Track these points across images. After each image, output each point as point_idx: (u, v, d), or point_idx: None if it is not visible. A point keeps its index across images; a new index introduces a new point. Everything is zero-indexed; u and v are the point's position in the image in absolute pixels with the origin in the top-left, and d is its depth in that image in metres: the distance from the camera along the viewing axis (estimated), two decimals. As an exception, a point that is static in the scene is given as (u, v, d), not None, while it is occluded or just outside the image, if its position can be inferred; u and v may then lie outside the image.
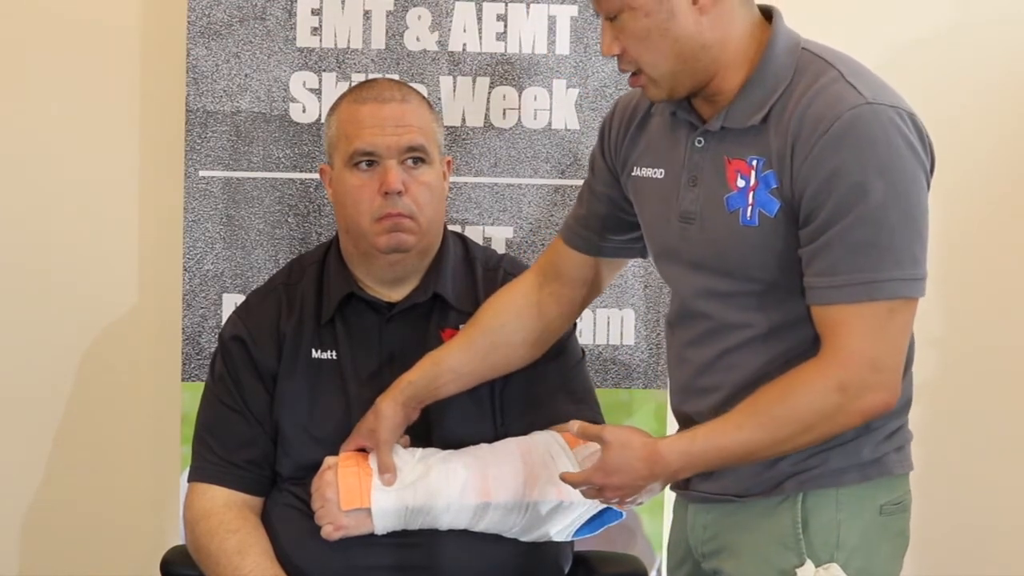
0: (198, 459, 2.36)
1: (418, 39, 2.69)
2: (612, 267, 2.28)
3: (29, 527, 2.88)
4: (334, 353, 2.35)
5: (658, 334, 2.72)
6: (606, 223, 2.20)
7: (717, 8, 1.92)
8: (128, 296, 2.84)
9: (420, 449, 2.28)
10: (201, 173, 2.67)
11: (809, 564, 1.94)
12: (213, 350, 2.44)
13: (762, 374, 1.94)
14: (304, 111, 2.68)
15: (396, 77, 2.65)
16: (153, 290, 2.83)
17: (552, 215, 2.71)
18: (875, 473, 1.97)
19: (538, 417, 2.32)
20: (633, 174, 2.10)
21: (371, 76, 2.65)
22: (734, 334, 1.97)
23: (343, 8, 2.67)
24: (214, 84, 2.66)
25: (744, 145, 1.94)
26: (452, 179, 2.55)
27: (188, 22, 2.65)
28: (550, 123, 2.71)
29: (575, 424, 2.04)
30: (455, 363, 2.25)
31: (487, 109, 2.70)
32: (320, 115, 2.66)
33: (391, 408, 2.23)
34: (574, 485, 2.03)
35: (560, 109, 2.70)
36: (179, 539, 2.48)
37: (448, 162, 2.41)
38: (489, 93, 2.70)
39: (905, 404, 1.98)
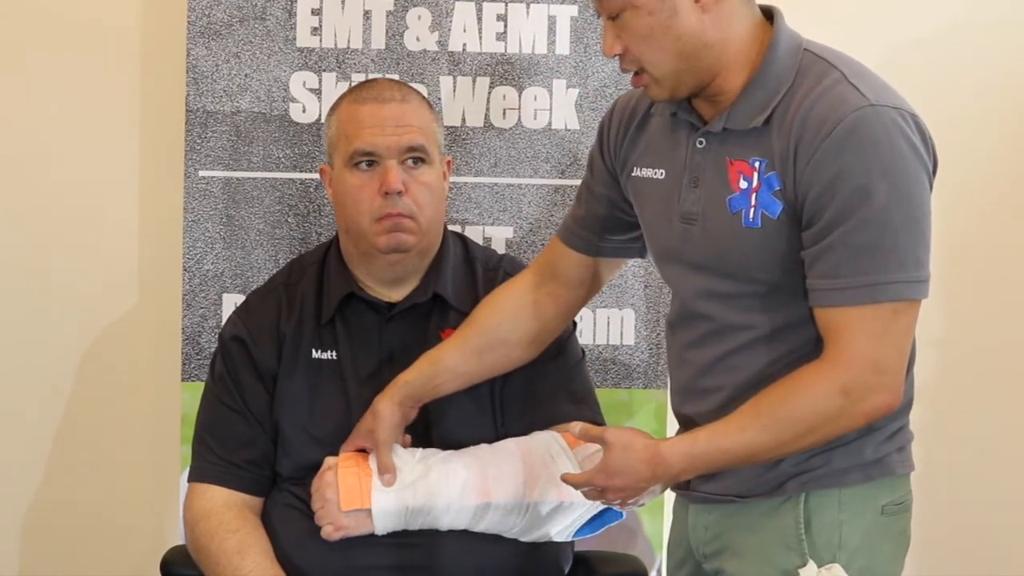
0: (198, 459, 2.36)
1: (418, 39, 2.68)
2: (611, 267, 2.28)
3: (29, 527, 2.88)
4: (334, 353, 2.35)
5: (658, 334, 2.72)
6: (605, 223, 2.19)
7: (719, 7, 1.92)
8: (128, 296, 2.84)
9: (420, 449, 2.28)
10: (201, 173, 2.67)
11: (812, 564, 1.94)
12: (213, 350, 2.44)
13: (764, 375, 1.94)
14: (304, 111, 2.68)
15: (396, 77, 2.65)
16: (153, 290, 2.83)
17: (552, 215, 2.71)
18: (877, 473, 1.97)
19: (538, 417, 2.32)
20: (633, 174, 2.10)
21: (371, 76, 2.65)
22: (736, 335, 1.97)
23: (343, 8, 2.67)
24: (214, 84, 2.66)
25: (746, 146, 1.93)
26: (452, 179, 2.55)
27: (188, 22, 2.65)
28: (550, 123, 2.71)
29: (577, 426, 2.04)
30: (452, 362, 2.25)
31: (487, 109, 2.70)
32: (320, 115, 2.66)
33: (388, 408, 2.23)
34: (576, 486, 2.03)
35: (560, 109, 2.70)
36: (179, 539, 2.48)
37: (448, 162, 2.41)
38: (489, 93, 2.70)
39: (907, 404, 1.98)
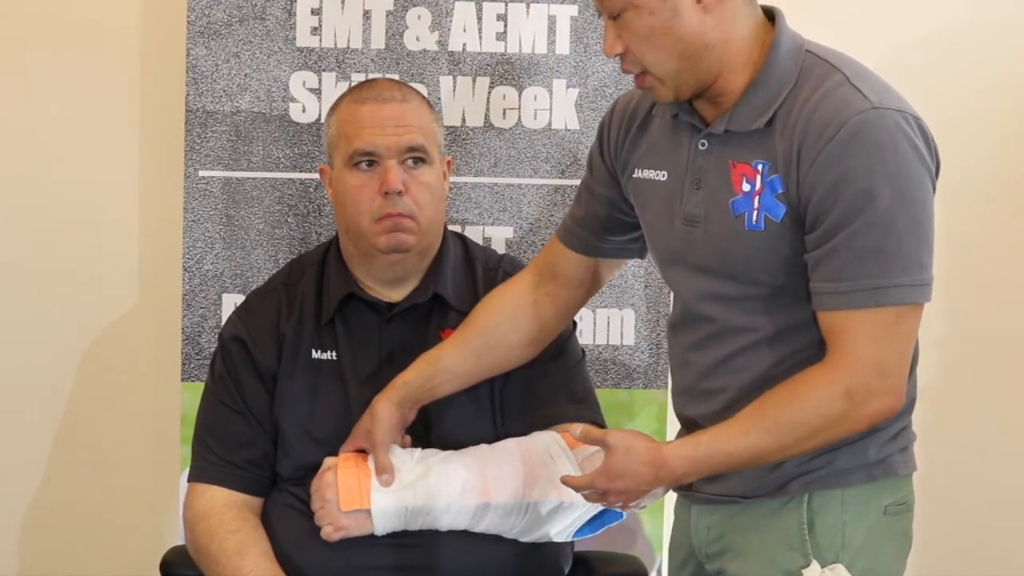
0: (198, 459, 2.35)
1: (418, 39, 2.68)
2: (610, 268, 2.27)
3: (29, 527, 2.88)
4: (334, 353, 2.35)
5: (658, 334, 2.72)
6: (605, 224, 2.19)
7: (721, 7, 1.91)
8: (128, 296, 2.84)
9: (419, 449, 2.28)
10: (201, 173, 2.67)
11: (815, 565, 1.94)
12: (213, 350, 2.44)
13: (767, 377, 1.94)
14: (304, 111, 2.68)
15: (396, 77, 2.64)
16: (153, 290, 2.83)
17: (552, 215, 2.71)
18: (880, 473, 1.97)
19: (538, 417, 2.32)
20: (634, 176, 2.09)
21: (371, 76, 2.65)
22: (739, 337, 1.97)
23: (343, 8, 2.67)
24: (214, 84, 2.66)
25: (749, 149, 1.93)
26: (452, 179, 2.55)
27: (188, 22, 2.65)
28: (550, 123, 2.70)
29: (578, 428, 2.04)
30: (451, 363, 2.25)
31: (487, 109, 2.70)
32: (320, 115, 2.66)
33: (387, 409, 2.23)
34: (577, 489, 2.02)
35: (560, 109, 2.70)
36: (179, 539, 2.48)
37: (448, 162, 2.41)
38: (489, 93, 2.70)
39: (909, 404, 1.98)
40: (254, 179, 2.68)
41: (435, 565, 2.24)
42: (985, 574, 3.00)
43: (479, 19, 2.69)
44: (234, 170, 2.67)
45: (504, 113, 2.71)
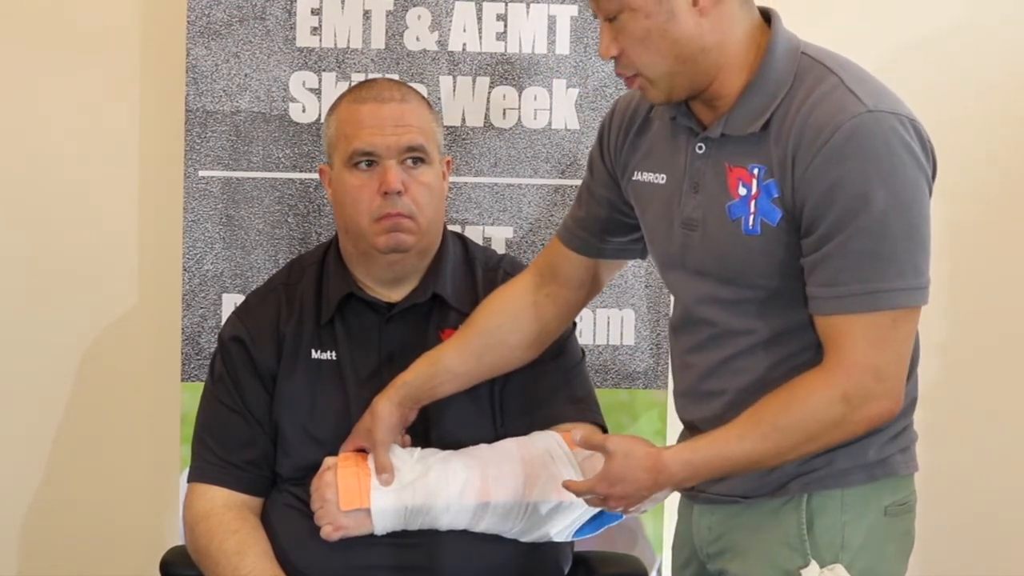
0: (198, 459, 2.36)
1: (418, 39, 2.68)
2: (611, 268, 2.27)
3: (29, 527, 2.88)
4: (334, 353, 2.35)
5: (659, 334, 2.72)
6: (605, 225, 2.19)
7: (717, 10, 1.91)
8: (128, 296, 2.84)
9: (419, 449, 2.28)
10: (201, 173, 2.67)
11: (814, 565, 1.94)
12: (213, 350, 2.44)
13: (766, 379, 1.94)
14: (304, 111, 2.68)
15: (396, 77, 2.64)
16: (153, 290, 2.83)
17: (552, 215, 2.71)
18: (880, 474, 1.97)
19: (538, 417, 2.32)
20: (634, 178, 2.09)
21: (371, 76, 2.65)
22: (736, 340, 1.97)
23: (343, 8, 2.67)
24: (214, 84, 2.66)
25: (745, 153, 1.93)
26: (452, 179, 2.55)
27: (188, 22, 2.65)
28: (550, 123, 2.70)
29: (578, 433, 2.05)
30: (451, 363, 2.25)
31: (487, 109, 2.70)
32: (320, 115, 2.66)
33: (387, 408, 2.23)
34: (578, 494, 2.02)
35: (560, 109, 2.70)
36: (179, 539, 2.48)
37: (448, 162, 2.41)
38: (489, 93, 2.70)
39: (910, 404, 1.99)
40: (254, 179, 2.68)
41: (435, 565, 2.24)
42: (985, 574, 3.00)
43: (479, 19, 2.69)
44: (234, 170, 2.67)
45: (504, 113, 2.70)
